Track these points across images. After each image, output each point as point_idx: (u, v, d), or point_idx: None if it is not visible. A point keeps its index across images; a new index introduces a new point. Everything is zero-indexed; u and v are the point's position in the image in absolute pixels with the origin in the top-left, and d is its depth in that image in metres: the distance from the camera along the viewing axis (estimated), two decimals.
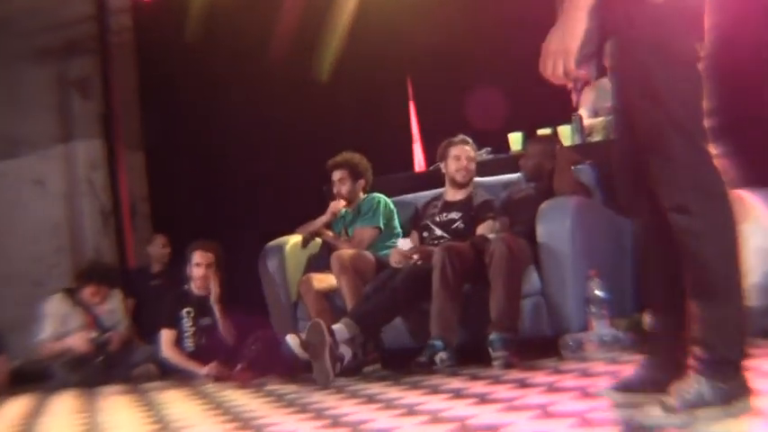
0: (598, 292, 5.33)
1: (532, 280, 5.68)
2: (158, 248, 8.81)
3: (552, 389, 4.08)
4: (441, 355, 5.45)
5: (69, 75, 10.13)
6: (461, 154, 6.51)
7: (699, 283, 2.94)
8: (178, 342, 7.16)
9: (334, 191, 6.89)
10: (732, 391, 2.86)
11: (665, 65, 2.92)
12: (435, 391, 4.53)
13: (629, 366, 4.43)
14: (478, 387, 4.48)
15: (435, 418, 3.59)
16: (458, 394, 4.30)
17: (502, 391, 4.20)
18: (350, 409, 4.23)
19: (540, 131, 6.77)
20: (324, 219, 6.85)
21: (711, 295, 2.91)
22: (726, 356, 2.88)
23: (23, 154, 9.99)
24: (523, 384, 4.37)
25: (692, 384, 2.84)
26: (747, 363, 2.92)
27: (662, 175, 2.94)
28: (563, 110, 7.19)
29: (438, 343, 5.49)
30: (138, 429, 4.46)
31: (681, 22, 2.94)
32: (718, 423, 2.78)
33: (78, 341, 7.54)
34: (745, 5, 6.00)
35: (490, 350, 5.36)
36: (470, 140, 6.55)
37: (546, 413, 3.38)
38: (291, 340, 5.43)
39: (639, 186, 3.10)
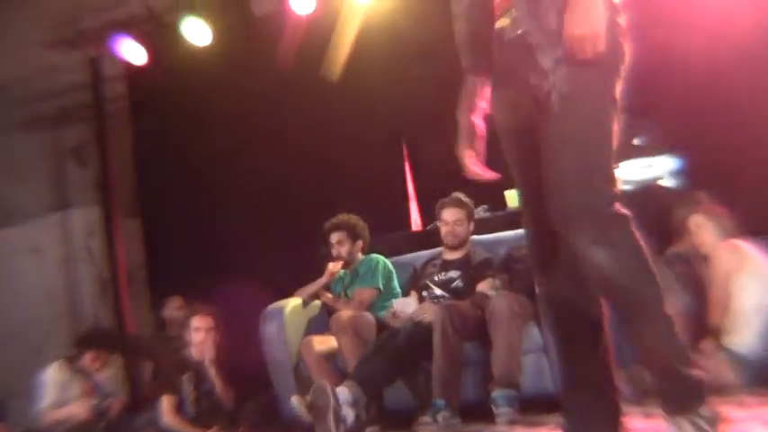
0: None
1: (533, 336, 5.68)
2: (174, 311, 8.75)
3: None
4: (443, 414, 5.44)
5: (64, 143, 10.14)
6: (449, 218, 6.55)
7: (628, 307, 2.97)
8: (180, 408, 7.11)
9: (333, 253, 6.91)
10: (714, 417, 2.85)
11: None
12: None
13: (632, 418, 4.46)
14: None
15: None
16: None
17: None
18: None
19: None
20: (322, 281, 6.86)
21: (643, 315, 2.94)
22: (684, 373, 2.89)
23: (19, 222, 10.00)
24: None
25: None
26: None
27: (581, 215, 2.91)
28: None
29: (440, 402, 5.48)
30: None
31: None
32: None
33: (79, 409, 7.51)
34: None
35: (493, 407, 5.38)
36: (464, 200, 6.54)
37: None
38: (296, 402, 5.41)
39: (554, 252, 3.13)
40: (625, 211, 2.94)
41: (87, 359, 7.76)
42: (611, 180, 2.98)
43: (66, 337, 9.55)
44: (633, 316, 2.97)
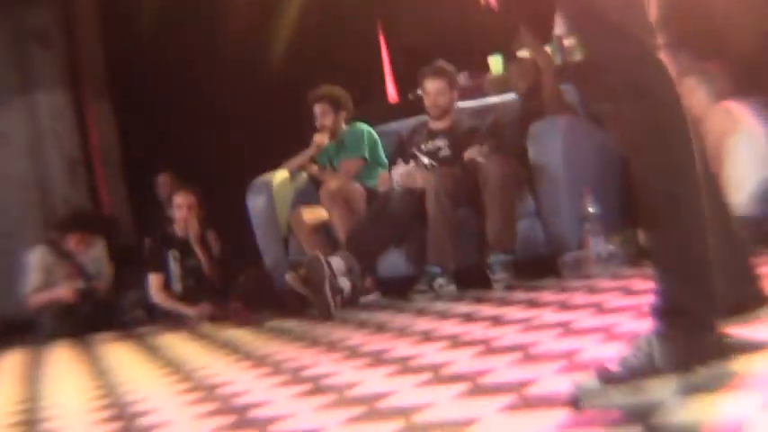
0: (592, 210, 5.34)
1: (526, 201, 5.70)
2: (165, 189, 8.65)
3: (565, 306, 4.08)
4: (439, 281, 5.47)
5: (28, 25, 9.93)
6: (430, 89, 6.37)
7: (642, 205, 2.39)
8: (167, 285, 7.11)
9: (317, 124, 6.83)
10: (692, 353, 2.20)
11: None
12: (444, 316, 4.54)
13: (633, 280, 4.50)
14: (488, 309, 4.48)
15: (456, 342, 3.57)
16: (469, 317, 4.30)
17: (514, 312, 4.20)
18: (363, 338, 4.22)
19: (520, 53, 6.73)
20: (309, 152, 6.80)
21: (654, 219, 2.38)
22: (679, 304, 2.25)
23: None
24: (533, 304, 4.37)
25: (641, 346, 2.22)
26: (715, 317, 2.26)
27: (591, 75, 2.48)
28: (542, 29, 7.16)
29: (435, 269, 5.50)
30: (151, 373, 4.42)
31: None
32: (668, 397, 2.11)
33: (65, 291, 7.49)
34: None
35: (489, 273, 5.40)
36: (446, 68, 6.42)
37: (568, 330, 3.37)
38: (290, 278, 5.40)
39: None
40: None
41: (71, 241, 7.73)
42: None
43: (37, 221, 9.49)
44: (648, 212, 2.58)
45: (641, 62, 2.38)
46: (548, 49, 6.74)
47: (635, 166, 2.36)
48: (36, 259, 7.66)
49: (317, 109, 6.83)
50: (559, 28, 7.08)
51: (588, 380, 2.18)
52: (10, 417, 3.76)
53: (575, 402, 2.14)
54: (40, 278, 7.59)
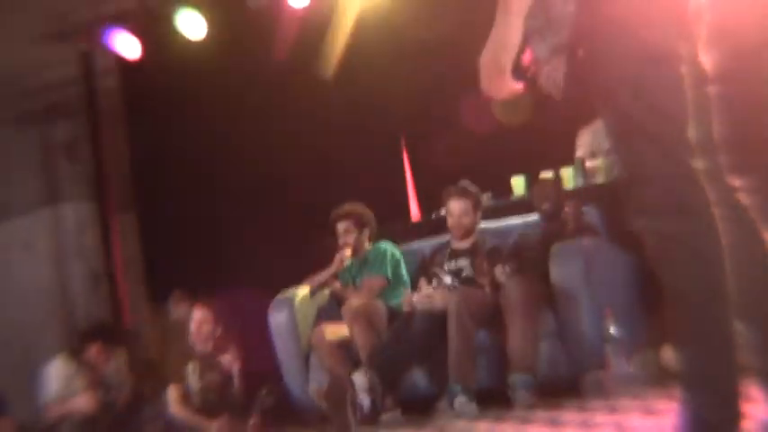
0: (614, 330, 5.35)
1: (547, 321, 5.71)
2: (176, 306, 8.70)
3: (586, 426, 4.09)
4: (459, 399, 5.47)
5: (56, 138, 10.11)
6: (454, 210, 6.48)
7: (678, 321, 2.51)
8: (186, 398, 7.11)
9: (340, 242, 6.88)
10: None
11: (633, 63, 2.52)
12: None
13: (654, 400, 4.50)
14: (508, 428, 4.49)
15: None
16: None
17: (534, 430, 4.21)
18: None
19: (543, 174, 6.80)
20: (332, 269, 6.83)
21: (691, 337, 2.46)
22: (705, 416, 2.35)
23: (11, 218, 9.95)
24: (554, 423, 4.38)
25: None
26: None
27: (634, 193, 2.56)
28: (565, 152, 7.26)
29: (456, 387, 5.51)
30: None
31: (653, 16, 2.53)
32: None
33: (85, 402, 7.48)
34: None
35: (510, 392, 5.41)
36: (470, 189, 6.50)
37: None
38: (314, 392, 5.41)
39: None
40: None
41: (92, 352, 7.73)
42: None
43: (59, 332, 9.54)
44: (685, 329, 2.54)
45: (685, 180, 2.48)
46: (570, 170, 6.82)
47: (669, 280, 2.45)
48: (56, 370, 7.66)
49: (341, 227, 6.90)
50: (582, 150, 7.17)
51: None
52: None
53: None
54: (59, 389, 7.59)
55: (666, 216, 2.49)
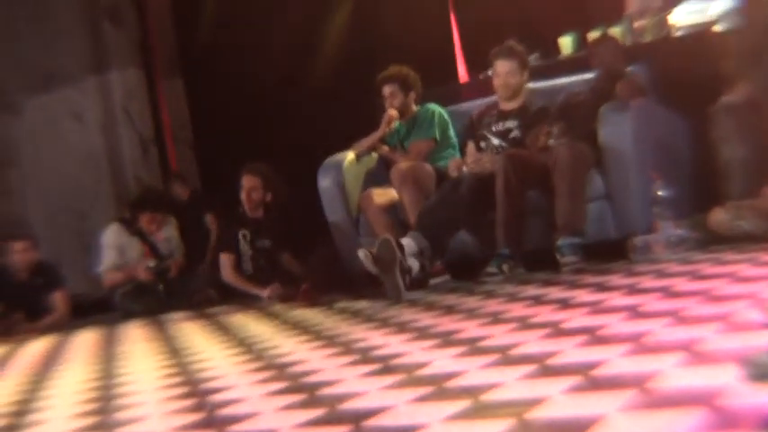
0: (662, 193, 5.31)
1: (596, 183, 5.68)
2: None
3: (634, 290, 4.06)
4: (508, 263, 5.49)
5: (99, 3, 10.06)
6: (500, 70, 6.35)
7: None
8: (237, 265, 7.19)
9: (386, 105, 6.84)
10: None
11: None
12: (514, 298, 4.53)
13: (702, 265, 4.47)
14: (557, 292, 4.47)
15: (525, 324, 3.58)
16: (539, 300, 4.29)
17: (583, 295, 4.19)
18: (432, 320, 4.24)
19: (592, 34, 6.70)
20: (379, 133, 6.82)
21: None
22: None
23: (58, 87, 9.99)
24: (602, 288, 4.35)
25: None
26: None
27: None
28: (612, 10, 7.14)
29: (505, 251, 5.52)
30: (223, 352, 4.47)
31: None
32: None
33: (140, 270, 7.59)
34: None
35: (558, 255, 5.40)
36: (517, 48, 6.40)
37: (636, 314, 3.36)
38: (364, 256, 5.42)
39: None
40: None
41: (144, 221, 7.81)
42: None
43: (109, 200, 9.63)
44: None
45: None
46: (618, 29, 6.71)
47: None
48: (110, 238, 7.77)
49: (386, 90, 6.85)
50: (631, 8, 7.04)
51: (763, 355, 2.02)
52: (86, 393, 3.83)
53: (751, 377, 2.01)
54: (114, 257, 7.70)
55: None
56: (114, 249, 7.72)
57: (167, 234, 7.95)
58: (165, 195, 8.83)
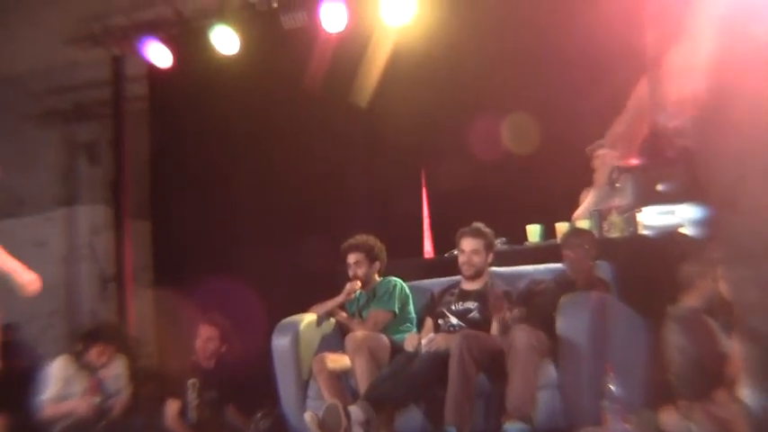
0: (613, 388, 5.34)
1: (548, 372, 5.71)
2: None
3: None
4: None
5: (78, 138, 10.18)
6: (466, 248, 6.52)
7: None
8: (182, 413, 7.11)
9: (350, 273, 6.89)
10: None
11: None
12: None
13: None
14: None
15: None
16: None
17: None
18: None
19: (559, 225, 6.83)
20: (339, 299, 6.83)
21: None
22: None
23: (27, 214, 10.02)
24: None
25: None
26: None
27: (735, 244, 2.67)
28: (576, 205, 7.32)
29: (452, 429, 5.51)
30: None
31: None
32: None
33: (81, 405, 7.46)
34: None
35: None
36: (484, 230, 6.53)
37: None
38: (309, 418, 5.41)
39: None
40: None
41: (93, 354, 7.72)
42: None
43: (62, 332, 9.56)
44: None
45: None
46: (587, 223, 6.84)
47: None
48: (57, 369, 7.66)
49: (352, 258, 6.91)
50: (599, 203, 7.18)
51: None
52: None
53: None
54: (58, 388, 7.58)
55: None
56: (60, 381, 7.59)
57: (116, 372, 7.84)
58: (120, 331, 8.74)
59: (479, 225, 6.55)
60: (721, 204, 2.65)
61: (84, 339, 7.87)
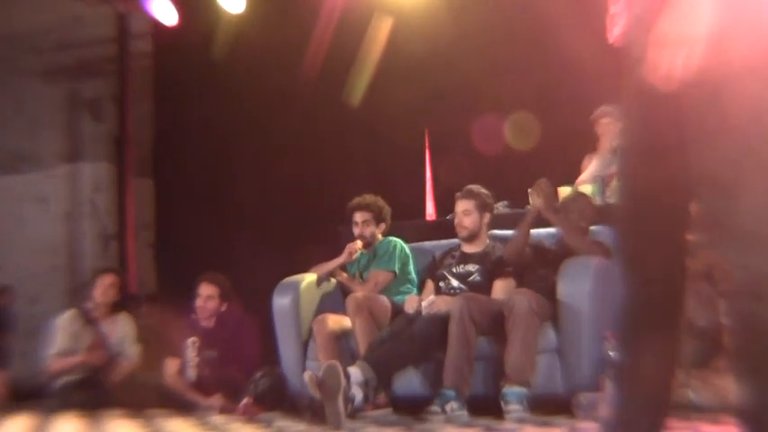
0: (613, 354, 5.32)
1: (548, 336, 5.71)
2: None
3: None
4: (452, 405, 5.46)
5: (81, 95, 10.13)
6: (458, 209, 6.51)
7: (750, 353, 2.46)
8: (182, 371, 7.12)
9: (356, 232, 6.83)
10: None
11: None
12: None
13: None
14: None
15: None
16: None
17: None
18: None
19: (562, 189, 6.79)
20: (340, 260, 6.80)
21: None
22: None
23: (28, 171, 10.00)
24: None
25: None
26: None
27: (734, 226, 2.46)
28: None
29: (450, 392, 5.51)
30: None
31: None
32: None
33: (90, 357, 7.44)
34: None
35: (503, 403, 5.39)
36: (476, 191, 6.50)
37: None
38: (308, 379, 5.41)
39: (660, 233, 2.67)
40: None
41: (99, 288, 7.73)
42: None
43: (63, 289, 9.56)
44: None
45: None
46: (590, 188, 6.81)
47: (752, 316, 2.42)
48: (63, 323, 7.66)
49: (359, 217, 6.87)
50: (602, 169, 7.14)
51: None
52: None
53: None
54: (65, 342, 7.57)
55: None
56: (67, 335, 7.59)
57: (122, 330, 7.78)
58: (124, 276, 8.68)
59: (472, 186, 6.51)
60: (718, 190, 2.50)
61: (89, 295, 7.86)
